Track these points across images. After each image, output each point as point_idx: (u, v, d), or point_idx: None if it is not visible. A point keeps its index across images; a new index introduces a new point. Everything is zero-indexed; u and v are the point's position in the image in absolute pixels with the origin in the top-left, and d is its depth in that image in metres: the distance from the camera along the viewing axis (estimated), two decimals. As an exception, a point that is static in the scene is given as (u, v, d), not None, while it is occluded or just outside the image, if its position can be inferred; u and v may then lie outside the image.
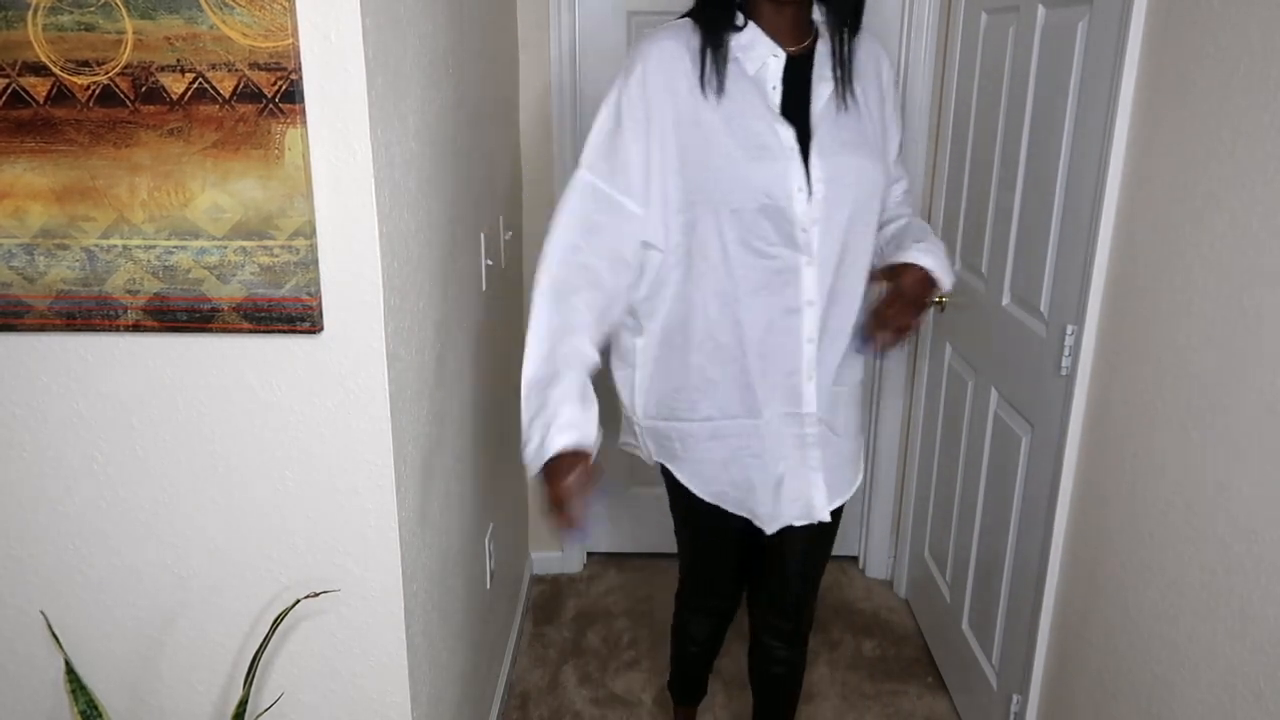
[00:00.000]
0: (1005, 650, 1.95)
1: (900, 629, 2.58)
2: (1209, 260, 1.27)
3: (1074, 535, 1.67)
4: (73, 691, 1.27)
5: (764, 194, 1.35)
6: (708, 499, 1.55)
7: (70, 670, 1.28)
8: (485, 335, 1.97)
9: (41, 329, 1.23)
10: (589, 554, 2.93)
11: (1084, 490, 1.63)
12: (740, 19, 1.37)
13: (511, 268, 2.37)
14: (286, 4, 1.09)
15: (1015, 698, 1.87)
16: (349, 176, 1.18)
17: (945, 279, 1.45)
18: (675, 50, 1.35)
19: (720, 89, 1.35)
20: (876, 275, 1.48)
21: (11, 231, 1.19)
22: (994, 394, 2.01)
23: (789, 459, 1.50)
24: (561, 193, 1.40)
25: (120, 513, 1.32)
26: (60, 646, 1.33)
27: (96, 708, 1.28)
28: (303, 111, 1.14)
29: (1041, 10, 1.78)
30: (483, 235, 1.92)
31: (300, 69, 1.12)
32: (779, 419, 1.48)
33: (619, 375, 1.54)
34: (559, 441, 1.27)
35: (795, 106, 1.37)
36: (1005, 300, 1.94)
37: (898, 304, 1.41)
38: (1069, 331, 1.62)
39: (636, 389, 1.53)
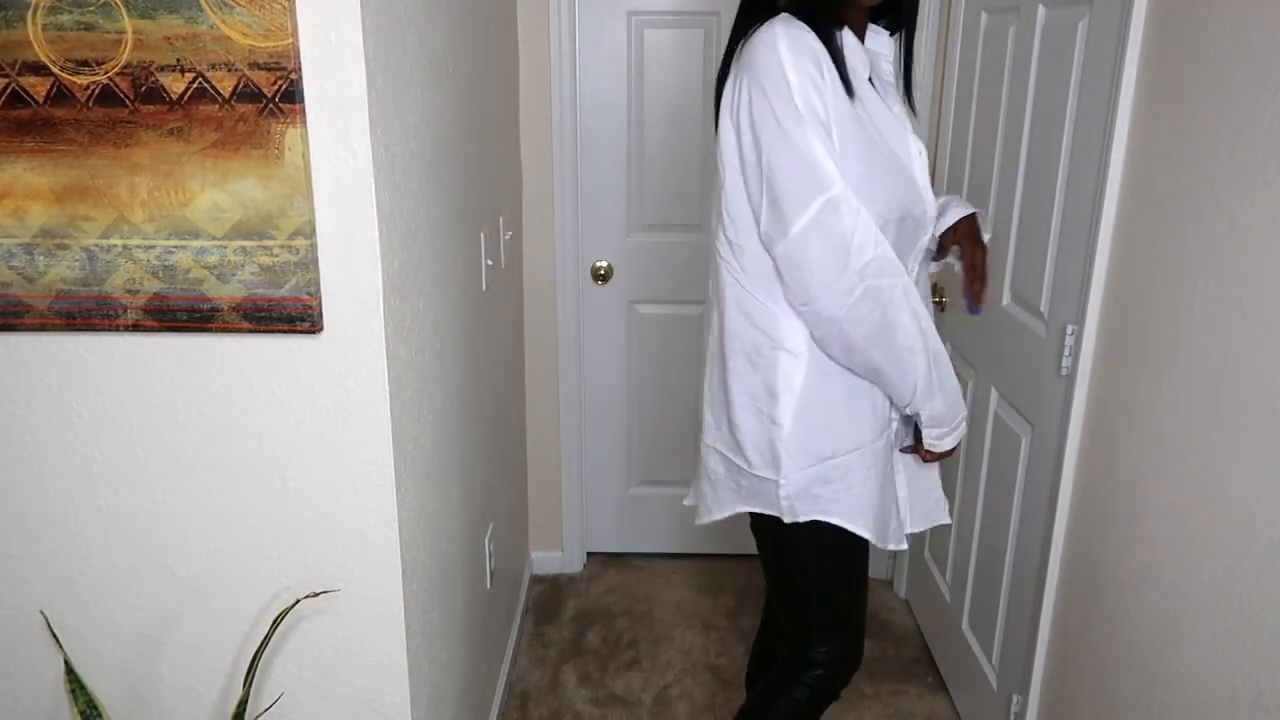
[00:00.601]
0: (1005, 650, 1.95)
1: (900, 629, 2.58)
2: (1209, 260, 1.27)
3: (1074, 535, 1.67)
4: (72, 691, 1.27)
5: (910, 202, 1.34)
6: (871, 535, 1.43)
7: (70, 670, 1.28)
8: (486, 335, 1.97)
9: (41, 329, 1.23)
10: (589, 554, 2.93)
11: (1084, 490, 1.63)
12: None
13: (511, 268, 2.37)
14: (286, 4, 1.09)
15: (1015, 698, 1.87)
16: (349, 176, 1.17)
17: (983, 219, 1.51)
18: (814, 47, 1.25)
19: (852, 92, 1.29)
20: (945, 245, 1.50)
21: (11, 231, 1.19)
22: (994, 394, 2.01)
23: (899, 472, 1.51)
24: (801, 218, 1.27)
25: (120, 512, 1.32)
26: (60, 646, 1.33)
27: (96, 708, 1.28)
28: (303, 111, 1.14)
29: (1041, 10, 1.78)
30: (483, 235, 1.92)
31: (300, 69, 1.12)
32: (893, 432, 1.47)
33: (748, 432, 1.41)
34: None
35: None
36: (1005, 300, 1.94)
37: (980, 255, 1.47)
38: (1069, 331, 1.62)
39: (781, 439, 1.39)
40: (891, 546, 1.48)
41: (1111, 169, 1.50)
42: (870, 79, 1.38)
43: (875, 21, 1.42)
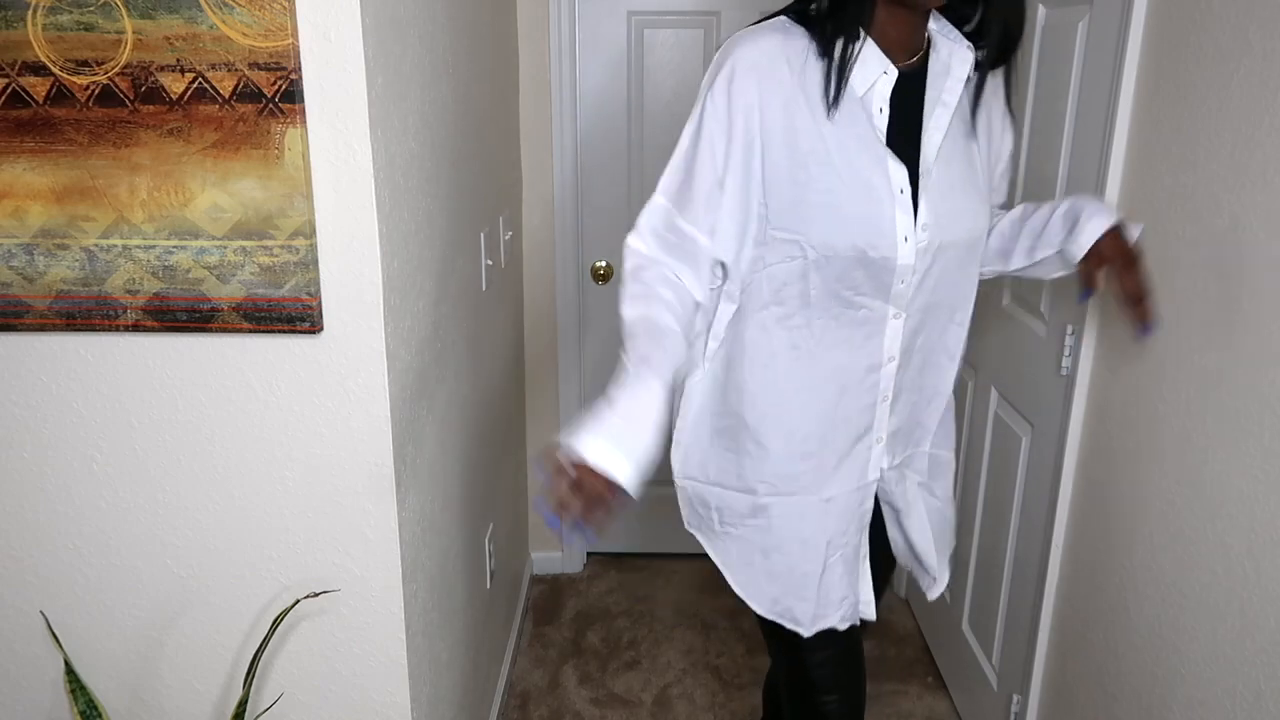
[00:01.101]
0: (1005, 650, 1.95)
1: (900, 629, 2.58)
2: (1209, 260, 1.27)
3: (1074, 535, 1.67)
4: (72, 691, 1.27)
5: (865, 242, 1.17)
6: (738, 590, 1.36)
7: (70, 670, 1.28)
8: (485, 335, 1.97)
9: (41, 329, 1.23)
10: (589, 554, 2.93)
11: (1084, 490, 1.63)
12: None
13: (512, 268, 2.37)
14: (286, 4, 1.09)
15: (1015, 698, 1.87)
16: (349, 176, 1.18)
17: (1129, 224, 1.25)
18: (774, 55, 1.15)
19: (829, 110, 1.15)
20: (1090, 274, 1.24)
21: (11, 231, 1.19)
22: (994, 394, 2.01)
23: (845, 548, 1.33)
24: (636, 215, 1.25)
25: (120, 513, 1.32)
26: (60, 646, 1.33)
27: (96, 708, 1.28)
28: (303, 111, 1.14)
29: (1041, 10, 1.78)
30: (483, 235, 1.92)
31: (300, 69, 1.12)
32: (845, 496, 1.31)
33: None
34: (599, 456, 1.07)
35: (901, 134, 1.18)
36: (1005, 300, 1.94)
37: (1132, 276, 1.21)
38: (1069, 331, 1.62)
39: (678, 438, 1.37)
40: (804, 629, 1.33)
41: (1111, 169, 1.50)
42: (926, 97, 1.21)
43: (954, 24, 1.23)
